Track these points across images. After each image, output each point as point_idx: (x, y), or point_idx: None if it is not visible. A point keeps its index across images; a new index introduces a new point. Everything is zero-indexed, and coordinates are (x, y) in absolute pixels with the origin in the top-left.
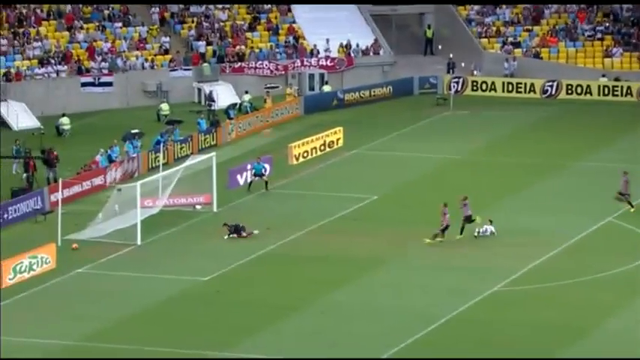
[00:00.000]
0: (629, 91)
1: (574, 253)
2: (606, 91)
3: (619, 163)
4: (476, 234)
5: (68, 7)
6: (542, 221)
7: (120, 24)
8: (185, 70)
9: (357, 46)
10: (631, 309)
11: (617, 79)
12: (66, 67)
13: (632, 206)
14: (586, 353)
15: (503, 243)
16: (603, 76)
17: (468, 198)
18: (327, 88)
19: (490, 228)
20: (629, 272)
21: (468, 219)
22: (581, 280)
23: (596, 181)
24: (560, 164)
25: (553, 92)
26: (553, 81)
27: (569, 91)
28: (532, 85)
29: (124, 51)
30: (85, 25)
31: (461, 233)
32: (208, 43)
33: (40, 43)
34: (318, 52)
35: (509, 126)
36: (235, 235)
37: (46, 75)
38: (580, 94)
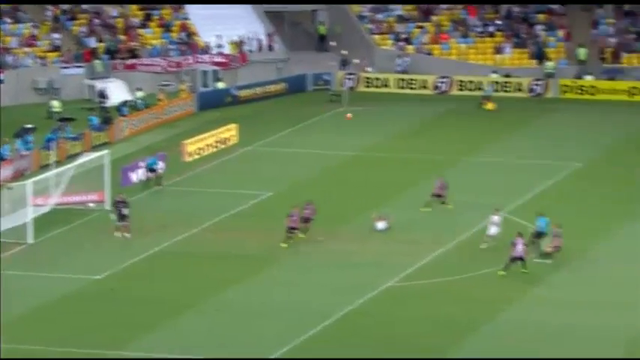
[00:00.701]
0: (519, 87)
1: (466, 248)
2: (497, 87)
3: (511, 159)
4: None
5: None
6: (436, 217)
7: (10, 20)
8: (77, 67)
9: (251, 42)
10: (524, 302)
11: (507, 75)
12: None
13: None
14: (479, 347)
15: (397, 239)
16: (494, 72)
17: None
18: (220, 85)
19: (384, 223)
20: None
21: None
22: (474, 275)
23: (489, 177)
24: (453, 160)
25: (445, 88)
26: (445, 77)
27: (461, 88)
28: (424, 81)
29: (14, 48)
30: None
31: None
32: (100, 40)
33: None
34: (211, 49)
35: (402, 122)
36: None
37: None
38: (471, 90)
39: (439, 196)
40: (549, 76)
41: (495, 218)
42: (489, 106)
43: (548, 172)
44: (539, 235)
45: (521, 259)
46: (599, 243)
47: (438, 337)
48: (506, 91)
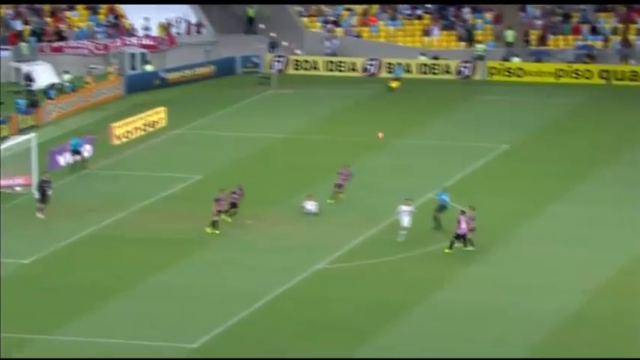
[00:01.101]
0: (447, 70)
1: (397, 230)
2: (425, 70)
3: (440, 141)
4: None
5: None
6: (366, 198)
7: None
8: (2, 49)
9: (179, 25)
10: (454, 282)
11: (435, 58)
12: None
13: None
14: (411, 328)
15: (327, 220)
16: (422, 54)
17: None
18: (149, 68)
19: (314, 205)
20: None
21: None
22: (404, 256)
23: (418, 159)
24: (382, 142)
25: (374, 71)
26: (374, 59)
27: (390, 70)
28: (353, 63)
29: None
30: None
31: None
32: (26, 22)
33: None
34: (139, 32)
35: (332, 105)
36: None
37: None
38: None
39: (340, 186)
40: (479, 58)
41: (405, 208)
42: (394, 83)
43: (476, 154)
44: (442, 208)
45: (464, 237)
46: (528, 223)
47: (369, 318)
48: (434, 73)
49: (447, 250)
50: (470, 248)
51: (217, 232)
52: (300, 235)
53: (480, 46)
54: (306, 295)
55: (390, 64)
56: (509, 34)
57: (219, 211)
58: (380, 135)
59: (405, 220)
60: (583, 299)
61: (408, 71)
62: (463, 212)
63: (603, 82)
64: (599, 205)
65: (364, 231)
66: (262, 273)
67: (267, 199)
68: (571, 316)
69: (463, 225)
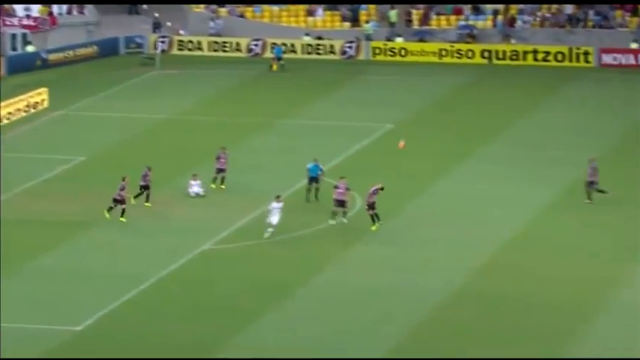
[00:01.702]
0: (332, 50)
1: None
2: (310, 50)
3: (325, 121)
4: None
5: None
6: (251, 179)
7: None
8: None
9: (60, 5)
10: (338, 263)
11: (320, 38)
12: None
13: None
14: (295, 309)
15: (212, 202)
16: (307, 34)
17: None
18: (30, 49)
19: (199, 186)
20: (337, 226)
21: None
22: (288, 237)
23: (304, 139)
24: (268, 122)
25: (258, 51)
26: (258, 40)
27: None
28: (238, 44)
29: None
30: None
31: None
32: None
33: None
34: (19, 12)
35: (216, 85)
36: None
37: None
38: (285, 52)
39: (221, 170)
40: (368, 38)
41: (275, 205)
42: (274, 67)
43: (361, 133)
44: (312, 179)
45: (342, 203)
46: (413, 202)
47: (254, 299)
48: (318, 53)
49: (332, 222)
50: (344, 220)
51: (108, 216)
52: (185, 216)
53: (367, 26)
54: (191, 276)
55: (274, 44)
56: (393, 15)
57: (116, 200)
58: (401, 144)
59: (274, 218)
60: (467, 276)
61: (293, 51)
62: (342, 177)
63: (485, 61)
64: (483, 183)
65: (249, 212)
66: (148, 255)
67: (152, 180)
68: (455, 293)
69: (340, 190)
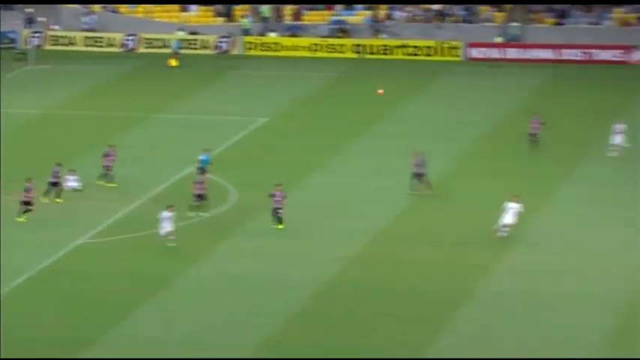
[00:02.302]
0: (205, 45)
1: (157, 203)
2: (184, 45)
3: (199, 115)
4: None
5: None
6: (128, 173)
7: None
8: None
9: None
10: (216, 254)
11: (194, 33)
12: None
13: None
14: (170, 302)
15: (90, 195)
16: (180, 29)
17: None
18: None
19: (76, 181)
20: (216, 217)
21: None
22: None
23: (179, 132)
24: (142, 117)
25: (132, 46)
26: (132, 35)
27: (148, 45)
28: (112, 39)
29: None
30: None
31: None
32: None
33: None
34: None
35: (90, 80)
36: None
37: None
38: (159, 47)
39: (108, 167)
40: (246, 32)
41: (165, 214)
42: (173, 62)
43: (236, 127)
44: (202, 170)
45: (199, 196)
46: (293, 194)
47: (129, 293)
48: (192, 48)
49: (190, 214)
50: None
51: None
52: (62, 210)
53: (245, 21)
54: (66, 270)
55: (149, 39)
56: (265, 10)
57: (25, 202)
58: (380, 92)
59: (166, 228)
60: (339, 267)
61: (165, 46)
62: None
63: (356, 55)
64: (354, 177)
65: (126, 205)
66: (23, 249)
67: (28, 175)
68: (327, 283)
69: (198, 184)
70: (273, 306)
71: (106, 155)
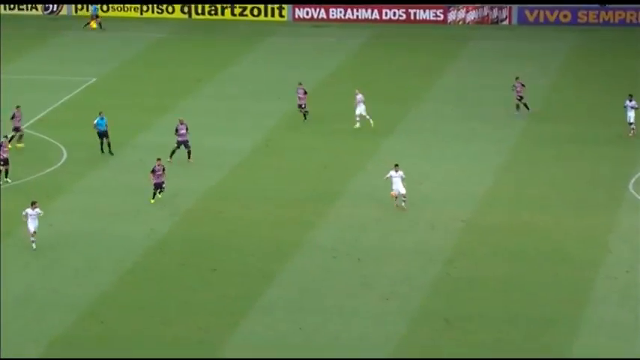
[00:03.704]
0: (34, 6)
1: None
2: (12, 6)
3: (28, 75)
4: None
5: None
6: None
7: None
8: None
9: None
10: (43, 215)
11: None
12: None
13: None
14: (2, 260)
15: None
16: None
17: None
18: None
19: None
20: (42, 178)
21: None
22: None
23: (9, 94)
24: None
25: None
26: None
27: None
28: None
29: None
30: None
31: None
32: None
33: None
34: None
35: None
36: None
37: None
38: None
39: (17, 129)
40: None
41: (31, 211)
42: (93, 24)
43: (65, 87)
44: (102, 134)
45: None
46: (117, 154)
47: None
48: (20, 8)
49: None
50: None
51: None
52: None
53: None
54: None
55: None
56: None
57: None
58: None
59: (32, 226)
60: (171, 223)
61: None
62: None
63: (185, 16)
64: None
65: None
66: None
67: None
68: (159, 240)
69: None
70: (105, 263)
71: (13, 117)
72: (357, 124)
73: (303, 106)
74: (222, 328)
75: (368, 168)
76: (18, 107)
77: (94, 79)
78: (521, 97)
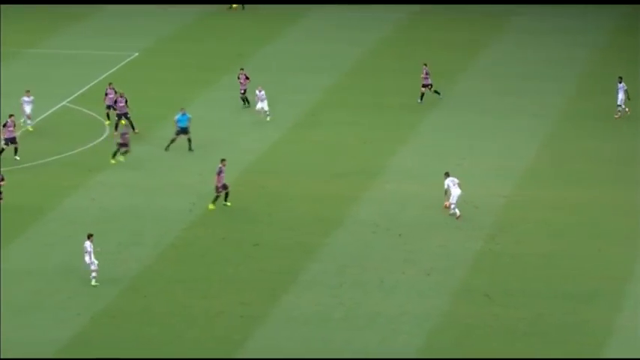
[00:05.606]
0: None
1: (34, 137)
2: None
3: (70, 50)
4: None
5: None
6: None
7: None
8: None
9: None
10: (87, 188)
11: None
12: None
13: None
14: (46, 234)
15: None
16: None
17: None
18: None
19: None
20: (84, 153)
21: None
22: (38, 163)
23: (51, 69)
24: (15, 52)
25: None
26: None
27: None
28: None
29: None
30: None
31: None
32: None
33: None
34: None
35: None
36: None
37: None
38: None
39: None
40: None
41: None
42: (235, 6)
43: (108, 62)
44: (182, 130)
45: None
46: (160, 129)
47: (3, 225)
48: None
49: (114, 161)
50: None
51: None
52: None
53: None
54: None
55: None
56: None
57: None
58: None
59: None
60: (213, 198)
61: None
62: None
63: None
64: (225, 111)
65: None
66: None
67: None
68: (201, 214)
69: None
70: (148, 237)
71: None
72: None
73: (243, 92)
74: (264, 302)
75: (409, 143)
76: (11, 116)
77: (136, 54)
78: (428, 85)
